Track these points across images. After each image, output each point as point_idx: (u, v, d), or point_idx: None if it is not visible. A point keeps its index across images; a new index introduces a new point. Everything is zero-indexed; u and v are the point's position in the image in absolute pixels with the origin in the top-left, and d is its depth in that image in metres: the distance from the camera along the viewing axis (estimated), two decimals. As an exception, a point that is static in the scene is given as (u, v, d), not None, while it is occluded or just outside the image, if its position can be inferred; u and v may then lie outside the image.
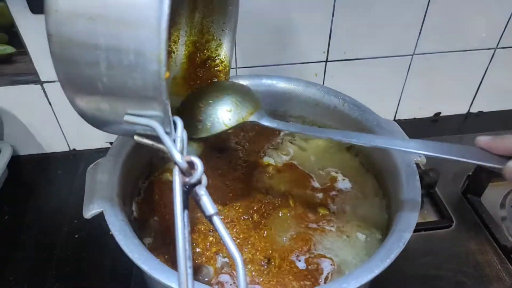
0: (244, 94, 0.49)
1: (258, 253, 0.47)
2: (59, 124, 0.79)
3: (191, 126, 0.45)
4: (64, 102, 0.78)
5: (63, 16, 0.29)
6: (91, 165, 0.47)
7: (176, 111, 0.47)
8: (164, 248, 0.48)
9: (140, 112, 0.31)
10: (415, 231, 0.64)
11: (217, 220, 0.27)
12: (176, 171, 0.28)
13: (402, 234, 0.40)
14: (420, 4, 0.73)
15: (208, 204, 0.28)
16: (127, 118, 0.31)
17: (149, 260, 0.38)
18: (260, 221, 0.51)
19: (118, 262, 0.61)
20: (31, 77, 0.71)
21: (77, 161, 0.81)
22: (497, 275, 0.60)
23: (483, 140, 0.37)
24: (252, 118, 0.47)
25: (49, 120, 0.77)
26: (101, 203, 0.42)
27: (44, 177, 0.79)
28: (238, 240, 0.48)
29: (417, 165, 0.50)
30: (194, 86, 0.52)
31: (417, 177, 0.47)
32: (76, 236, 0.67)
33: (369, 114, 0.55)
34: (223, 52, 0.53)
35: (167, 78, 0.29)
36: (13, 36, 0.66)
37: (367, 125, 0.55)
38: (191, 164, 0.28)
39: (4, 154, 0.74)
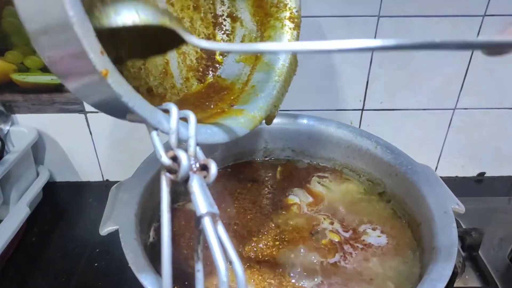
0: None
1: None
2: (96, 154, 0.81)
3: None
4: (104, 133, 0.82)
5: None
6: (115, 185, 0.47)
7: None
8: (178, 281, 0.45)
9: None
10: (455, 297, 0.59)
11: (207, 222, 0.24)
12: (162, 169, 0.26)
13: (435, 284, 0.36)
14: (462, 57, 0.72)
15: (197, 203, 0.25)
16: (129, 117, 0.28)
17: (155, 282, 0.36)
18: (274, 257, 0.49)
19: (133, 295, 0.60)
20: (77, 106, 0.75)
21: (108, 191, 0.82)
22: None
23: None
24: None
25: (87, 150, 0.80)
26: (118, 221, 0.42)
27: (75, 204, 0.80)
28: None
29: (457, 222, 0.46)
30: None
31: (454, 225, 0.43)
32: (96, 264, 0.66)
33: (403, 158, 0.53)
34: None
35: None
36: (67, 67, 0.71)
37: (400, 169, 0.52)
38: (177, 160, 0.26)
39: (41, 178, 0.77)
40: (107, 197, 0.78)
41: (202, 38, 0.47)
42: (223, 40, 0.48)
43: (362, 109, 0.77)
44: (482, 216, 0.74)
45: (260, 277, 0.47)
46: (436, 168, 0.85)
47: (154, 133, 0.27)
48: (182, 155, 0.26)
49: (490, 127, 0.79)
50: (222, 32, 0.47)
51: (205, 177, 0.27)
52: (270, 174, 0.61)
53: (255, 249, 0.50)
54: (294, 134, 0.62)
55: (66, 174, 0.83)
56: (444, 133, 0.80)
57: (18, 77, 0.71)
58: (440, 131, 0.80)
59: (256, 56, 0.48)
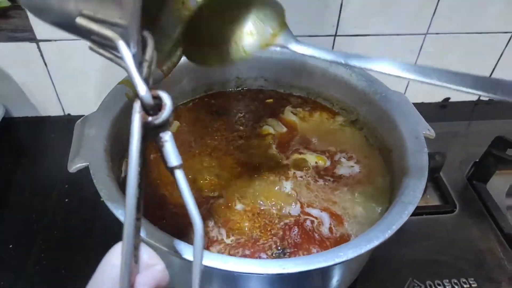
0: (266, 5, 0.36)
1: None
2: (54, 87, 0.76)
3: (199, 51, 0.36)
4: (61, 64, 0.75)
5: None
6: (80, 120, 0.44)
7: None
8: (153, 215, 0.45)
9: (97, 15, 0.22)
10: (416, 214, 0.63)
11: (179, 175, 0.24)
12: (137, 106, 0.22)
13: (406, 206, 0.38)
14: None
15: (172, 153, 0.23)
16: (79, 20, 0.23)
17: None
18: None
19: (108, 229, 0.59)
20: (27, 34, 0.68)
21: (71, 126, 0.76)
22: (499, 264, 0.58)
23: None
24: (278, 41, 0.35)
25: (44, 82, 0.75)
26: (87, 157, 0.40)
27: (37, 140, 0.76)
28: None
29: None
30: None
31: (425, 150, 0.44)
32: (67, 200, 0.65)
33: (378, 85, 0.52)
34: None
35: None
36: (9, -11, 0.63)
37: (374, 97, 0.52)
38: (157, 101, 0.23)
39: (-4, 113, 0.72)
40: (70, 132, 0.74)
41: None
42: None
43: (335, 35, 0.74)
44: (444, 140, 0.77)
45: (241, 206, 0.47)
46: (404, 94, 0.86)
47: (130, 58, 0.22)
48: (164, 95, 0.23)
49: (459, 52, 0.80)
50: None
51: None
52: (243, 104, 0.60)
53: (231, 179, 0.50)
54: (267, 63, 0.59)
55: (23, 109, 0.78)
56: (414, 59, 0.80)
57: (-48, 0, 0.62)
58: (411, 57, 0.80)
59: None
